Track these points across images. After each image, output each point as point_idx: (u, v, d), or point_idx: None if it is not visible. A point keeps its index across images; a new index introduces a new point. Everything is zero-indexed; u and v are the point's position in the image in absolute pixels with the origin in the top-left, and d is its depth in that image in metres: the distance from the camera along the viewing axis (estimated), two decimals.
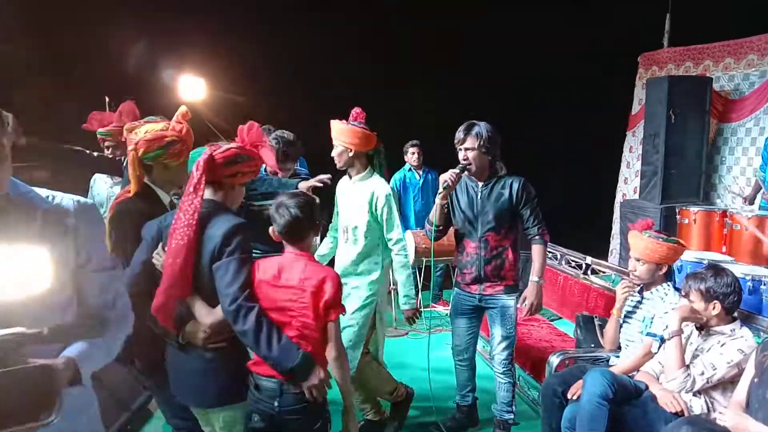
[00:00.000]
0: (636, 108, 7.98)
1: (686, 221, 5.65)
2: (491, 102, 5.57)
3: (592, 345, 3.79)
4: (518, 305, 3.60)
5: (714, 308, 2.86)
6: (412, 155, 6.44)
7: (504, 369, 3.64)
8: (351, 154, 3.51)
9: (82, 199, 1.63)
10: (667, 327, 2.93)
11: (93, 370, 1.60)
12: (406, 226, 6.14)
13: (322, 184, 3.61)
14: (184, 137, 2.64)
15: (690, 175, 6.55)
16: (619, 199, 8.14)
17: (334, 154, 3.55)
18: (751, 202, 5.75)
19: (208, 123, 5.45)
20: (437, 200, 3.46)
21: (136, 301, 1.90)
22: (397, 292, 3.77)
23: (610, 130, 8.05)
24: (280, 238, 2.43)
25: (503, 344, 3.60)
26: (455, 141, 3.50)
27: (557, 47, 7.44)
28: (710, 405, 2.82)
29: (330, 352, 2.37)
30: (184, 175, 2.69)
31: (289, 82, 6.96)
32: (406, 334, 5.73)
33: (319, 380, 2.27)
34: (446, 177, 3.40)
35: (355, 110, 3.54)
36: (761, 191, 5.75)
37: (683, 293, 3.00)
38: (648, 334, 3.14)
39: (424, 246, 5.62)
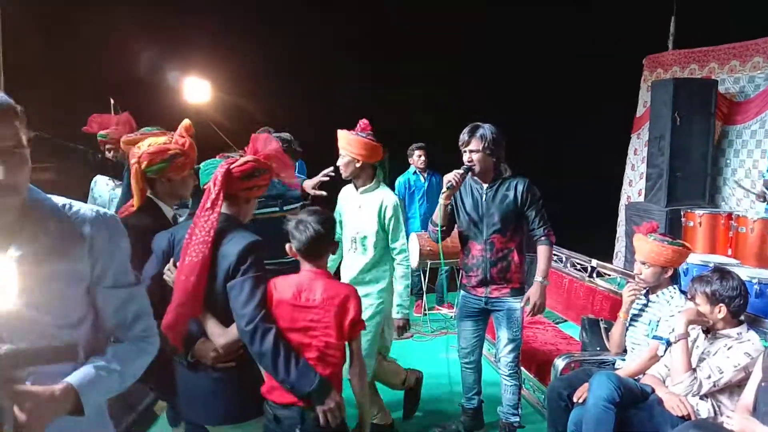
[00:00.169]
0: (641, 110, 7.97)
1: (692, 224, 5.65)
2: (495, 104, 5.57)
3: (598, 348, 3.78)
4: (521, 305, 3.59)
5: (720, 311, 2.86)
6: (418, 158, 6.42)
7: (510, 372, 3.63)
8: (358, 165, 3.52)
9: (102, 210, 1.53)
10: (673, 330, 2.93)
11: (101, 399, 1.50)
12: (411, 229, 6.15)
13: (327, 178, 3.67)
14: (187, 151, 2.62)
15: (695, 177, 6.53)
16: (623, 201, 8.12)
17: (340, 163, 3.56)
18: (763, 199, 5.73)
19: (212, 125, 5.46)
20: (440, 200, 3.45)
21: None
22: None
23: (614, 132, 8.03)
24: (297, 255, 2.36)
25: (509, 347, 3.59)
26: (460, 143, 3.49)
27: (562, 49, 7.44)
28: (717, 408, 2.81)
29: (353, 368, 2.33)
30: (186, 189, 2.71)
31: (293, 83, 6.97)
32: (411, 336, 5.73)
33: (336, 404, 2.21)
34: (450, 177, 3.39)
35: (363, 122, 3.55)
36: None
37: (689, 296, 3.00)
38: (654, 337, 3.14)
39: (428, 249, 5.63)
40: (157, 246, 2.39)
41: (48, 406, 1.31)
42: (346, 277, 3.64)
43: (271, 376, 2.22)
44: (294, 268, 2.41)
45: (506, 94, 7.03)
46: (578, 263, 4.91)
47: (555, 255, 5.16)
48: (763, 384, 2.56)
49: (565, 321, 5.02)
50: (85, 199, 3.88)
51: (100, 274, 1.49)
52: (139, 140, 2.68)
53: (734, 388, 2.79)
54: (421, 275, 6.36)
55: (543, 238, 3.53)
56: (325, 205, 3.19)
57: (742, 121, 6.62)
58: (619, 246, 7.84)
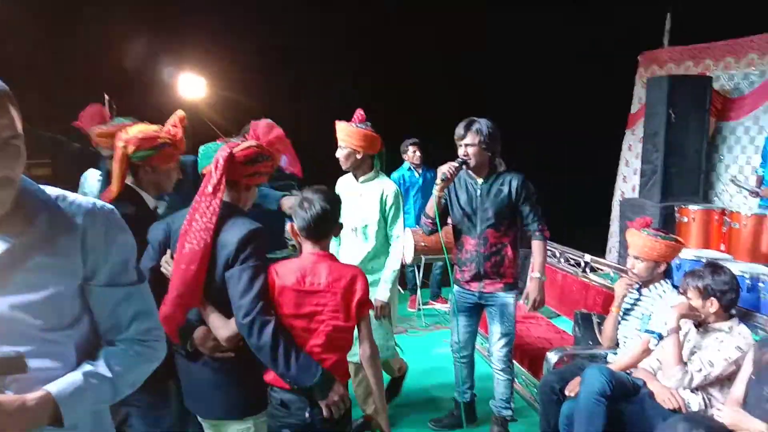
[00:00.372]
0: (636, 107, 7.98)
1: (685, 220, 5.65)
2: (490, 99, 5.56)
3: (590, 342, 3.80)
4: (521, 302, 3.60)
5: (712, 305, 2.87)
6: (413, 153, 6.41)
7: (503, 366, 3.65)
8: (359, 157, 3.54)
9: (99, 202, 1.41)
10: (665, 324, 2.95)
11: (87, 410, 1.36)
12: (405, 224, 6.14)
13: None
14: (177, 141, 2.54)
15: (690, 173, 6.54)
16: (617, 197, 8.14)
17: (340, 155, 3.57)
18: (757, 191, 5.76)
19: (208, 122, 5.45)
20: (434, 192, 3.46)
21: None
22: (401, 291, 3.81)
23: (609, 128, 8.05)
24: (298, 237, 2.30)
25: (502, 341, 3.61)
26: (455, 137, 3.50)
27: (557, 45, 7.44)
28: (708, 402, 2.83)
29: (365, 351, 2.28)
30: (169, 181, 2.61)
31: (289, 79, 6.96)
32: (405, 331, 5.75)
33: (339, 396, 2.16)
34: (444, 169, 3.39)
35: (359, 112, 3.56)
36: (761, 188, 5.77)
37: (681, 290, 3.02)
38: (646, 331, 3.16)
39: (423, 244, 5.65)
40: (153, 237, 2.30)
41: (18, 417, 1.20)
42: None
43: (273, 371, 2.17)
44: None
45: (501, 90, 7.02)
46: (572, 258, 4.93)
47: (549, 250, 5.16)
48: (753, 377, 2.58)
49: (559, 316, 5.04)
50: None
51: (93, 271, 1.37)
52: (111, 132, 2.57)
53: (725, 381, 2.81)
54: (416, 270, 6.37)
55: (537, 233, 3.54)
56: None
57: (736, 118, 6.63)
58: (613, 242, 7.87)
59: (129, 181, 2.51)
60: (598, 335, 3.73)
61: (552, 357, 3.55)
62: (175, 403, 2.42)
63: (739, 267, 3.80)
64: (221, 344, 2.18)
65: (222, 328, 2.16)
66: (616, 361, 3.28)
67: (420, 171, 6.46)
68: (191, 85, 6.91)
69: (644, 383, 2.96)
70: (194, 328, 2.22)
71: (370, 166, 3.65)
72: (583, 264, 4.76)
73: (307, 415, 2.18)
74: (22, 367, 1.20)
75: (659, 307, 3.19)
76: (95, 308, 1.41)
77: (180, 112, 2.62)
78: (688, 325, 3.01)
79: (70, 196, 1.38)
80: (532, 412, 3.95)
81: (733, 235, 5.15)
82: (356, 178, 3.67)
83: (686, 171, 6.50)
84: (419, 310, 6.27)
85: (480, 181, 3.54)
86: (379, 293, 3.53)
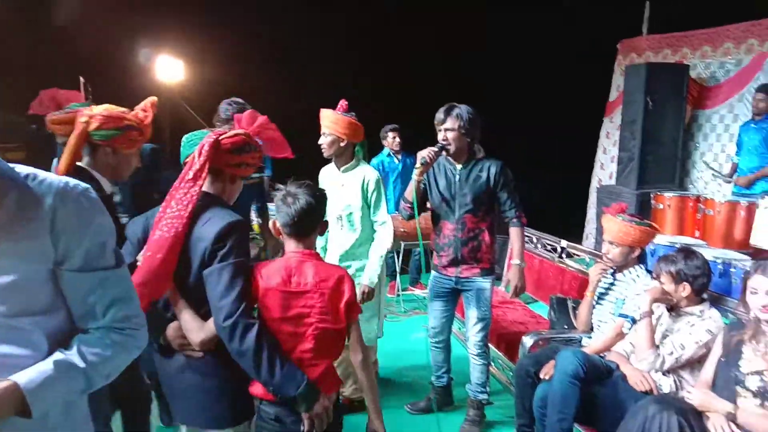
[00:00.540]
0: (614, 94, 8.04)
1: (661, 206, 5.74)
2: (468, 87, 5.57)
3: (566, 326, 3.85)
4: (500, 288, 3.63)
5: (684, 290, 2.92)
6: (392, 140, 6.41)
7: (479, 350, 3.68)
8: (343, 144, 3.59)
9: (73, 181, 1.32)
10: (638, 308, 2.99)
11: (58, 400, 1.30)
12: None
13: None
14: (144, 127, 2.41)
15: (666, 161, 6.62)
16: (595, 184, 8.21)
17: (323, 142, 3.60)
18: (729, 178, 5.85)
19: (185, 105, 5.41)
20: (414, 176, 3.47)
21: None
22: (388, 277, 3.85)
23: (588, 116, 8.11)
24: (281, 234, 2.17)
25: (478, 326, 3.63)
26: (435, 122, 3.51)
27: (537, 33, 7.46)
28: (679, 384, 2.88)
29: (356, 355, 2.18)
30: (128, 168, 2.47)
31: (269, 63, 6.90)
32: (385, 317, 5.75)
33: (323, 409, 2.05)
34: (424, 153, 3.40)
35: (343, 102, 3.61)
36: (734, 176, 5.86)
37: (654, 275, 3.05)
38: (620, 315, 3.20)
39: (402, 230, 5.66)
40: (132, 233, 2.15)
41: None
42: (336, 253, 3.69)
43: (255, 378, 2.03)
44: None
45: (479, 78, 7.04)
46: (548, 244, 4.98)
47: (526, 236, 5.21)
48: (722, 359, 2.63)
49: (536, 301, 5.08)
50: None
51: (65, 254, 1.28)
52: (66, 119, 2.42)
53: (695, 364, 2.85)
54: (395, 256, 6.39)
55: (515, 220, 3.57)
56: None
57: (712, 106, 6.71)
58: (590, 228, 7.93)
59: (84, 162, 2.36)
60: (573, 319, 3.78)
61: (527, 341, 3.59)
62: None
63: (711, 253, 3.86)
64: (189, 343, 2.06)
65: (195, 330, 2.01)
66: (591, 345, 3.32)
67: (400, 157, 6.47)
68: (169, 68, 6.85)
69: (617, 366, 3.01)
70: (168, 322, 2.10)
71: (352, 156, 3.70)
72: (559, 249, 4.81)
73: (304, 430, 2.04)
74: None
75: (633, 292, 3.23)
76: (68, 294, 1.32)
77: (153, 98, 2.50)
78: (660, 309, 3.06)
79: (41, 174, 1.29)
80: (508, 396, 4.00)
81: (707, 221, 5.24)
82: (338, 167, 3.71)
83: (662, 158, 6.57)
84: (398, 295, 6.30)
85: (459, 166, 3.55)
86: (365, 278, 3.57)
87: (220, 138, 2.06)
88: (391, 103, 6.83)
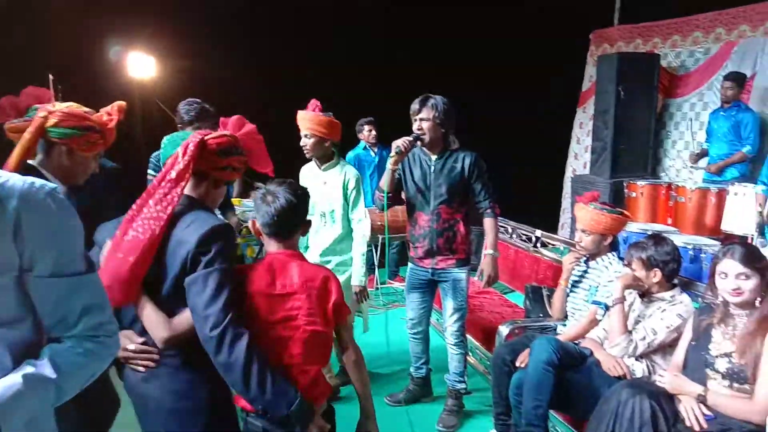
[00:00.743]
0: (587, 85, 8.12)
1: (634, 195, 5.81)
2: (444, 77, 5.58)
3: (541, 315, 3.89)
4: (475, 278, 3.66)
5: (655, 276, 2.97)
6: (368, 132, 6.41)
7: (456, 340, 3.70)
8: (327, 144, 3.70)
9: (39, 181, 1.24)
10: (611, 295, 3.03)
11: (27, 415, 1.19)
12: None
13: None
14: (106, 130, 2.27)
15: (638, 150, 6.71)
16: (569, 174, 8.29)
17: (307, 144, 3.68)
18: (695, 161, 5.95)
19: (157, 101, 5.36)
20: (388, 166, 3.48)
21: None
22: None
23: (561, 106, 8.17)
24: (261, 235, 2.07)
25: (455, 316, 3.66)
26: (410, 112, 3.52)
27: (510, 23, 7.49)
28: (651, 368, 2.92)
29: (349, 356, 2.11)
30: (84, 172, 2.32)
31: (241, 59, 6.84)
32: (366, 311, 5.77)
33: (319, 428, 1.93)
34: (399, 143, 3.40)
35: (315, 102, 3.67)
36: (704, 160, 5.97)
37: (626, 262, 3.10)
38: (593, 302, 3.25)
39: (379, 223, 5.66)
40: (101, 238, 1.99)
41: None
42: (318, 249, 3.75)
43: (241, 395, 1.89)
44: None
45: (454, 68, 7.05)
46: (524, 234, 5.02)
47: (501, 227, 5.26)
48: (692, 343, 2.68)
49: (513, 291, 5.13)
50: None
51: (32, 260, 1.21)
52: (24, 127, 2.20)
53: (667, 348, 2.90)
54: (373, 250, 6.39)
55: (488, 210, 3.60)
56: None
57: (682, 95, 6.81)
58: (565, 217, 8.03)
59: (37, 161, 2.21)
60: (548, 308, 3.82)
61: (504, 330, 3.62)
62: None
63: (682, 239, 3.93)
64: (133, 355, 1.89)
65: (160, 326, 1.85)
66: (565, 332, 3.37)
67: (376, 150, 6.46)
68: (140, 65, 6.77)
69: (591, 353, 3.05)
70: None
71: (333, 154, 3.79)
72: (534, 239, 4.85)
73: None
74: None
75: (605, 279, 3.28)
76: (39, 302, 1.24)
77: (122, 103, 2.35)
78: (632, 295, 3.10)
79: (4, 176, 1.21)
80: (486, 385, 4.03)
81: (679, 208, 5.33)
82: (319, 165, 3.79)
83: (635, 147, 6.66)
84: (377, 289, 6.31)
85: (434, 157, 3.56)
86: (354, 279, 3.71)
87: (206, 138, 1.95)
88: (367, 95, 6.81)
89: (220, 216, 2.08)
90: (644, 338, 2.89)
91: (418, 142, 3.49)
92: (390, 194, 3.54)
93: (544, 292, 3.96)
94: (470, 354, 4.17)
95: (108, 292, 1.65)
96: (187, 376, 1.91)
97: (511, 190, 5.86)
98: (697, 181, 5.79)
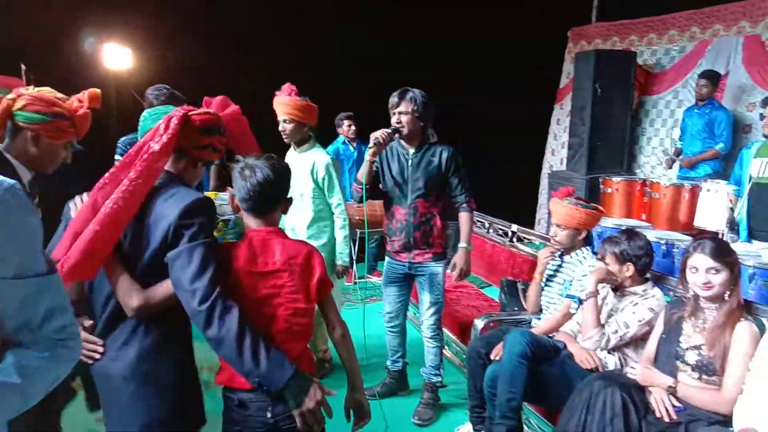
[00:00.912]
0: (564, 81, 8.18)
1: (609, 191, 5.87)
2: (422, 73, 5.58)
3: (516, 308, 3.92)
4: (448, 271, 3.68)
5: (628, 270, 3.01)
6: (348, 128, 6.40)
7: (432, 334, 3.72)
8: (305, 129, 3.79)
9: None
10: (584, 289, 3.07)
11: None
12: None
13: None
14: (76, 117, 2.20)
15: (615, 146, 6.77)
16: (546, 170, 8.36)
17: (287, 128, 3.75)
18: (670, 166, 6.02)
19: (133, 93, 5.30)
20: (366, 157, 3.48)
21: None
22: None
23: (538, 103, 8.23)
24: (241, 210, 2.02)
25: (431, 310, 3.68)
26: (389, 105, 3.52)
27: (489, 21, 7.51)
28: (623, 361, 2.97)
29: (336, 332, 2.08)
30: (52, 161, 2.25)
31: (218, 49, 6.77)
32: (341, 305, 5.76)
33: (316, 403, 1.85)
34: (377, 134, 3.40)
35: (289, 86, 3.71)
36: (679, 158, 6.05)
37: (599, 256, 3.14)
38: (567, 296, 3.28)
39: (357, 218, 5.66)
40: (69, 215, 1.92)
41: None
42: (289, 232, 3.71)
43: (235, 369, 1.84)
44: None
45: (432, 63, 7.06)
46: (500, 229, 5.05)
47: (479, 221, 5.29)
48: (663, 336, 2.73)
49: (490, 285, 5.16)
50: None
51: None
52: None
53: (639, 341, 2.95)
54: (351, 244, 6.39)
55: (464, 205, 3.61)
56: None
57: (658, 92, 6.89)
58: (542, 213, 8.08)
59: (2, 146, 2.15)
60: (523, 301, 3.85)
61: (479, 323, 3.65)
62: None
63: (655, 234, 3.98)
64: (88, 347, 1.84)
65: (132, 294, 1.79)
66: (539, 326, 3.40)
67: (355, 145, 6.46)
68: (116, 56, 6.69)
69: (565, 345, 3.08)
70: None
71: (309, 137, 3.87)
72: (510, 234, 4.89)
73: (269, 414, 1.87)
74: None
75: (579, 273, 3.32)
76: (1, 305, 1.19)
77: (96, 90, 2.28)
78: (606, 289, 3.14)
79: None
80: (462, 378, 4.05)
81: (653, 204, 5.39)
82: (295, 148, 3.89)
83: (611, 143, 6.72)
84: (355, 283, 6.31)
85: (412, 150, 3.57)
86: (338, 258, 3.95)
87: (191, 113, 1.88)
88: (346, 90, 6.80)
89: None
90: (616, 331, 2.93)
91: (397, 135, 3.50)
92: (368, 186, 3.53)
93: (520, 286, 3.99)
94: (446, 347, 4.19)
95: (81, 266, 1.71)
96: (154, 356, 1.86)
97: (489, 185, 5.89)
98: (672, 178, 5.87)
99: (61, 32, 6.18)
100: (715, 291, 2.53)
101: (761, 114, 4.10)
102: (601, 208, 3.55)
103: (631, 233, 3.09)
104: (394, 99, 3.50)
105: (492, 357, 3.16)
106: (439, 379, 3.79)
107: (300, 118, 3.72)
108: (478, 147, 6.41)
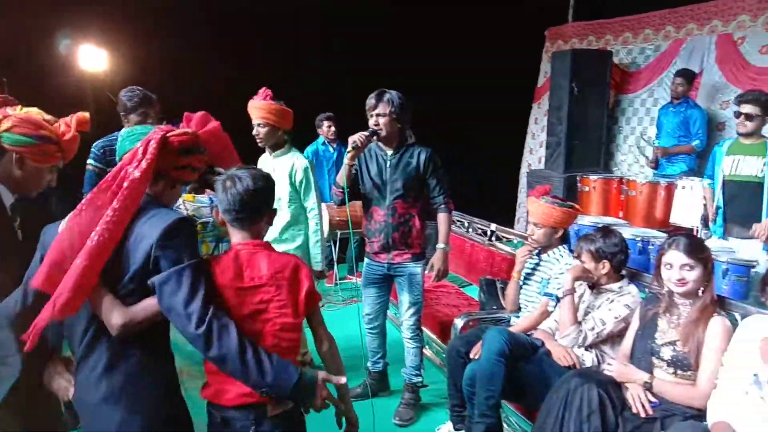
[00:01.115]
0: (542, 81, 8.24)
1: (587, 189, 5.93)
2: (400, 73, 5.60)
3: (495, 307, 3.94)
4: (426, 272, 3.70)
5: (604, 267, 3.04)
6: (328, 128, 6.39)
7: (412, 334, 3.73)
8: (280, 133, 3.77)
9: None
10: (561, 287, 3.09)
11: None
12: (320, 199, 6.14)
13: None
14: (64, 142, 2.14)
15: (591, 145, 6.83)
16: (524, 169, 8.41)
17: (261, 132, 3.73)
18: (655, 165, 6.08)
19: (109, 94, 5.24)
20: (345, 160, 3.48)
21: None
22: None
23: (517, 102, 8.28)
24: (225, 223, 1.99)
25: (411, 310, 3.69)
26: (366, 107, 3.52)
27: (467, 21, 7.55)
28: (600, 357, 3.00)
29: (323, 345, 2.08)
30: (36, 184, 2.20)
31: (194, 50, 6.72)
32: (322, 306, 5.75)
33: (323, 401, 1.88)
34: (355, 138, 3.40)
35: (265, 90, 3.70)
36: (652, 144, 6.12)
37: (576, 254, 3.16)
38: (544, 294, 3.31)
39: (338, 219, 5.68)
40: (47, 241, 1.85)
41: None
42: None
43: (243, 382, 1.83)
44: None
45: (410, 63, 7.07)
46: (479, 228, 5.08)
47: (458, 221, 5.31)
48: (639, 332, 2.76)
49: (470, 284, 5.18)
50: None
51: None
52: None
53: (615, 338, 2.97)
54: (332, 245, 6.38)
55: (443, 206, 3.63)
56: None
57: (633, 90, 6.97)
58: (521, 212, 8.13)
59: None
60: (502, 300, 3.87)
61: (458, 322, 3.67)
62: None
63: (631, 231, 4.03)
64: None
65: (115, 312, 1.75)
66: (518, 324, 3.42)
67: (335, 146, 6.45)
68: (92, 58, 6.63)
69: (542, 343, 3.11)
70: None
71: (284, 142, 3.84)
72: (489, 233, 4.91)
73: None
74: None
75: (556, 271, 3.35)
76: None
77: (85, 114, 2.21)
78: (583, 287, 3.17)
79: None
80: (442, 378, 4.06)
81: (629, 202, 5.46)
82: (270, 153, 3.86)
83: (588, 142, 6.78)
84: (336, 284, 6.30)
85: (390, 152, 3.57)
86: (313, 263, 3.90)
87: (169, 135, 1.84)
88: (326, 91, 6.80)
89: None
90: (593, 328, 2.96)
91: (375, 137, 3.50)
92: (348, 189, 3.53)
93: (498, 285, 4.01)
94: (427, 347, 4.21)
95: (72, 303, 1.67)
96: (138, 379, 1.84)
97: (469, 184, 5.92)
98: (648, 176, 5.94)
99: (36, 34, 6.11)
100: (689, 287, 2.57)
101: (736, 112, 4.16)
102: (577, 206, 3.58)
103: (606, 231, 3.12)
104: (371, 101, 3.50)
105: (471, 356, 3.18)
106: (420, 379, 3.80)
107: (274, 122, 3.69)
108: (457, 146, 6.44)
